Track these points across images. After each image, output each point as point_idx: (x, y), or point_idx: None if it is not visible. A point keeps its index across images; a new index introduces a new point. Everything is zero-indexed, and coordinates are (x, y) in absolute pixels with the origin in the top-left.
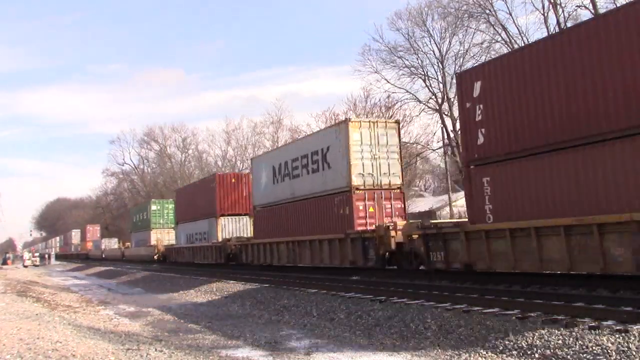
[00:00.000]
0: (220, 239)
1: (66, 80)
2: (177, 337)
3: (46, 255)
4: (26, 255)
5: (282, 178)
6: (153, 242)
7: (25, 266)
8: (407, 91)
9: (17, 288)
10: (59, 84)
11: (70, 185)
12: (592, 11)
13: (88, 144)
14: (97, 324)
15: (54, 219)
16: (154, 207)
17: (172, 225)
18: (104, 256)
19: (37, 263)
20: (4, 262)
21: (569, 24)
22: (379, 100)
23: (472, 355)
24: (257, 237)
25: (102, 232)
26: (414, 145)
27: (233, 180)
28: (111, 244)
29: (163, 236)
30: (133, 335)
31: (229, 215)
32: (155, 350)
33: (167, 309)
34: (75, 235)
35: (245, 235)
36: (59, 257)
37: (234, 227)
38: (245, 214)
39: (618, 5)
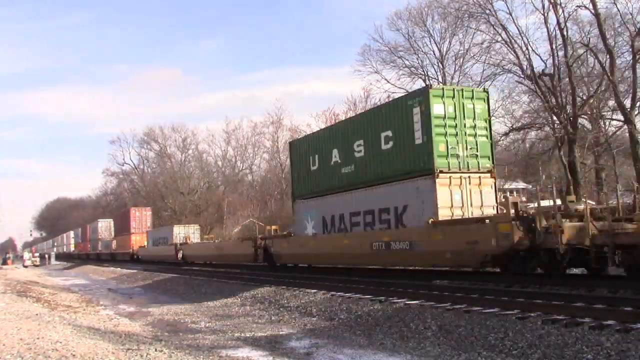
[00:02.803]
0: None
1: (67, 81)
2: (177, 337)
3: (46, 256)
4: (26, 255)
5: None
6: (479, 210)
7: (25, 266)
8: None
9: (17, 288)
10: (60, 85)
11: (70, 185)
12: (592, 11)
13: (88, 144)
14: (97, 324)
15: (54, 219)
16: (438, 110)
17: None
18: (181, 257)
19: (37, 263)
20: (4, 262)
21: (569, 24)
22: (379, 100)
23: (472, 355)
24: None
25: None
26: None
27: None
28: (190, 232)
29: (473, 193)
30: (133, 335)
31: None
32: (155, 350)
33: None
34: (104, 228)
35: None
36: (74, 258)
37: None
38: None
39: (617, 4)
